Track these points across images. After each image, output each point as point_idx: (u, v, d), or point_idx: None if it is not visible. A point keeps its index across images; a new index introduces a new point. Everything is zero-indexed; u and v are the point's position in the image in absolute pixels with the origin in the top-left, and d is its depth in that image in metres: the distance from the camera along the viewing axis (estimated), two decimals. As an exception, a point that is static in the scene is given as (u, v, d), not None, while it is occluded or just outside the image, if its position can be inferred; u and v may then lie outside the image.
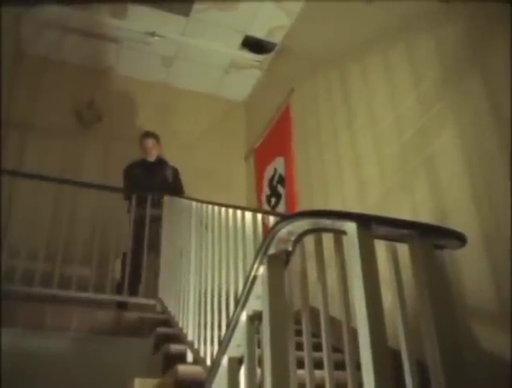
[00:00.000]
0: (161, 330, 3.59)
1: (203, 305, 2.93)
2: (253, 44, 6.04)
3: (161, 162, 5.15)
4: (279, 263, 1.43)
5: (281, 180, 5.46)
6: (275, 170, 5.62)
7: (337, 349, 1.63)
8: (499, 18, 2.79)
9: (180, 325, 3.30)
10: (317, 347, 1.44)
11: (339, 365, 1.45)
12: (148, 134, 5.17)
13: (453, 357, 1.14)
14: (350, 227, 1.24)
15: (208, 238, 3.12)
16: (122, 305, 4.27)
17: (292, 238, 1.39)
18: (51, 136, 5.69)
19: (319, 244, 1.45)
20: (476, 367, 2.25)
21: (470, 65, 2.99)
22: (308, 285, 1.51)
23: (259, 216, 2.77)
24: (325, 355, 1.34)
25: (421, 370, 1.22)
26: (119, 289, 4.36)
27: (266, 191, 5.73)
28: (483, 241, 2.63)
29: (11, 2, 5.04)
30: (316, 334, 1.50)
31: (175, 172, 5.17)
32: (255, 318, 1.60)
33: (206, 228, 3.24)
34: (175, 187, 4.95)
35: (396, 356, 1.23)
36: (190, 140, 6.38)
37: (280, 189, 5.44)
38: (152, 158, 5.09)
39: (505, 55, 2.70)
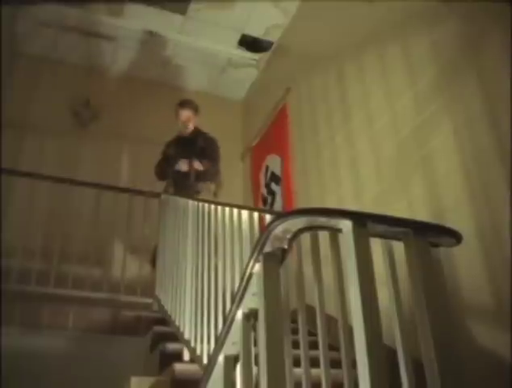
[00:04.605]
0: (158, 328, 3.59)
1: (199, 303, 2.93)
2: (250, 43, 6.05)
3: (195, 137, 4.65)
4: (274, 260, 1.43)
5: (275, 178, 5.47)
6: (267, 167, 5.64)
7: (333, 347, 1.63)
8: (497, 18, 2.79)
9: (177, 323, 3.29)
10: (314, 345, 1.44)
11: (335, 363, 1.45)
12: (183, 104, 4.70)
13: (448, 355, 1.15)
14: (346, 225, 1.24)
15: (205, 236, 3.12)
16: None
17: (288, 236, 1.39)
18: (47, 134, 5.68)
19: (315, 242, 1.45)
20: (472, 364, 2.25)
21: (466, 65, 3.00)
22: (304, 283, 1.51)
23: (256, 214, 2.78)
24: (321, 353, 1.34)
25: (416, 368, 1.22)
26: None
27: (263, 189, 5.73)
28: (479, 239, 2.63)
29: (10, 1, 5.03)
30: (312, 332, 1.50)
31: (209, 144, 4.64)
32: (251, 316, 1.60)
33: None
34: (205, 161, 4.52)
35: (391, 353, 1.23)
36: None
37: (274, 187, 5.45)
38: (186, 132, 4.67)
39: (501, 55, 2.70)
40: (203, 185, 4.50)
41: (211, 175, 4.57)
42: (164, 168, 4.68)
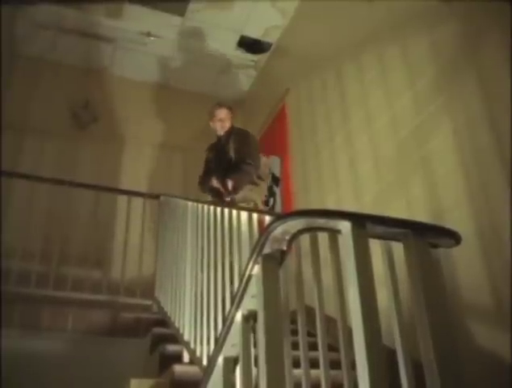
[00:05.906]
0: (158, 330, 3.59)
1: (199, 304, 2.93)
2: (249, 44, 6.05)
3: (228, 138, 4.48)
4: (273, 262, 1.43)
5: (275, 180, 5.46)
6: (269, 169, 5.63)
7: (333, 348, 1.63)
8: (497, 17, 2.79)
9: (176, 325, 3.29)
10: (313, 346, 1.44)
11: (335, 364, 1.44)
12: (220, 104, 4.65)
13: (448, 355, 1.14)
14: (345, 226, 1.24)
15: (204, 237, 3.12)
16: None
17: (287, 238, 1.38)
18: (46, 136, 5.68)
19: (314, 243, 1.45)
20: (472, 365, 2.25)
21: (466, 64, 2.99)
22: (303, 284, 1.51)
23: (255, 215, 2.77)
24: (320, 354, 1.34)
25: (416, 368, 1.22)
26: None
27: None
28: (478, 239, 2.63)
29: (10, 1, 5.03)
30: (312, 333, 1.50)
31: (241, 143, 4.40)
32: (250, 318, 1.60)
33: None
34: (236, 163, 4.26)
35: (391, 354, 1.23)
36: (186, 140, 6.36)
37: (275, 189, 5.43)
38: (221, 131, 4.53)
39: (501, 54, 2.70)
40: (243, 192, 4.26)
41: (248, 179, 4.28)
42: (204, 182, 4.51)
